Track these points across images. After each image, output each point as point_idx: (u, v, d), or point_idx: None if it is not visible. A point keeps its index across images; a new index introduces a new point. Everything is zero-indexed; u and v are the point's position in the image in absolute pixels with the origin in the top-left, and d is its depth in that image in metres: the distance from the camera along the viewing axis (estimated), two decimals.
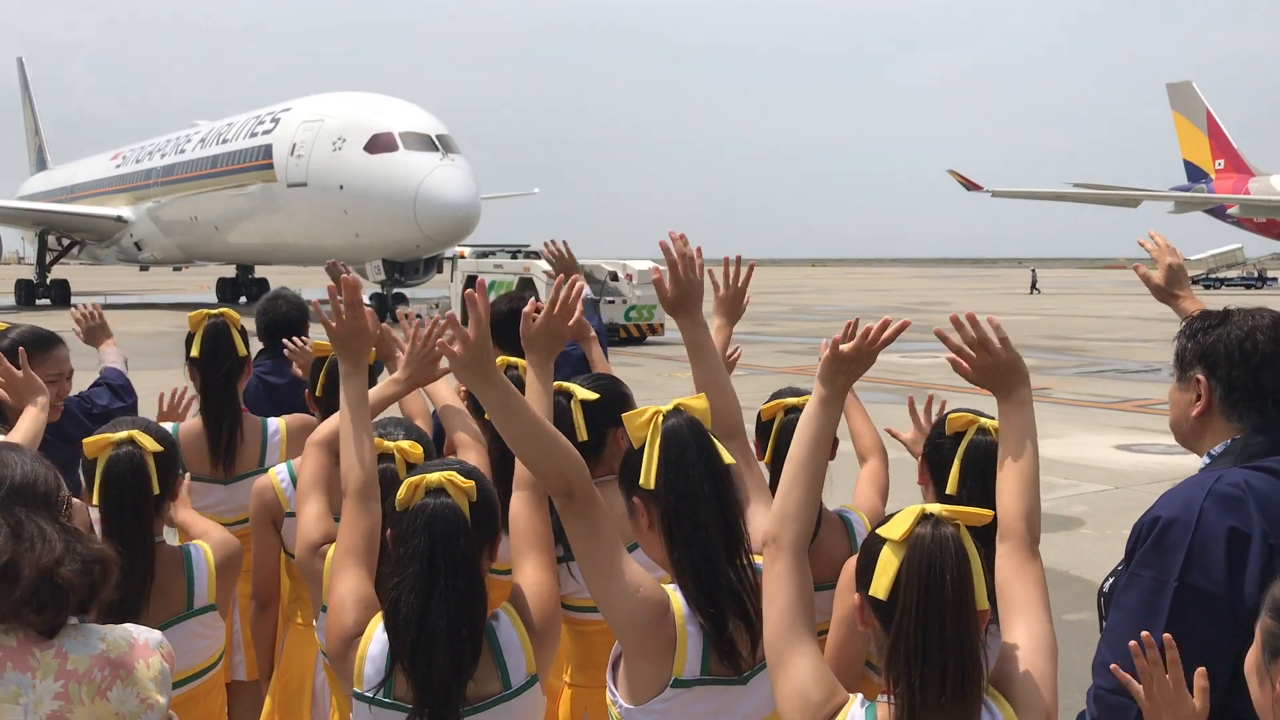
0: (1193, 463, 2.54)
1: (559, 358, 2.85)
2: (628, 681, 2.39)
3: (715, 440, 2.46)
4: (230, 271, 49.39)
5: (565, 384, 3.24)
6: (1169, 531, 2.27)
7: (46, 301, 41.22)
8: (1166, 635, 2.16)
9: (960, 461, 2.69)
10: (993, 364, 2.30)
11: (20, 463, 2.05)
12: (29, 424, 3.40)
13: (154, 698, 1.98)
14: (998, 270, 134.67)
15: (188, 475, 3.32)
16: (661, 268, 2.91)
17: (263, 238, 36.67)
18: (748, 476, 2.77)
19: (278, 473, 3.66)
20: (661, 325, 26.09)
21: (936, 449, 2.80)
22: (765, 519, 2.32)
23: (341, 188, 31.63)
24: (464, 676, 2.28)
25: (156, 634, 2.09)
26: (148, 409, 4.15)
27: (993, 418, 2.53)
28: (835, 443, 2.43)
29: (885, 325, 2.30)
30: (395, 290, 33.05)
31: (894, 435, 3.54)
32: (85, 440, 2.98)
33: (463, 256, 31.70)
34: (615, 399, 3.24)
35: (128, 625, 2.07)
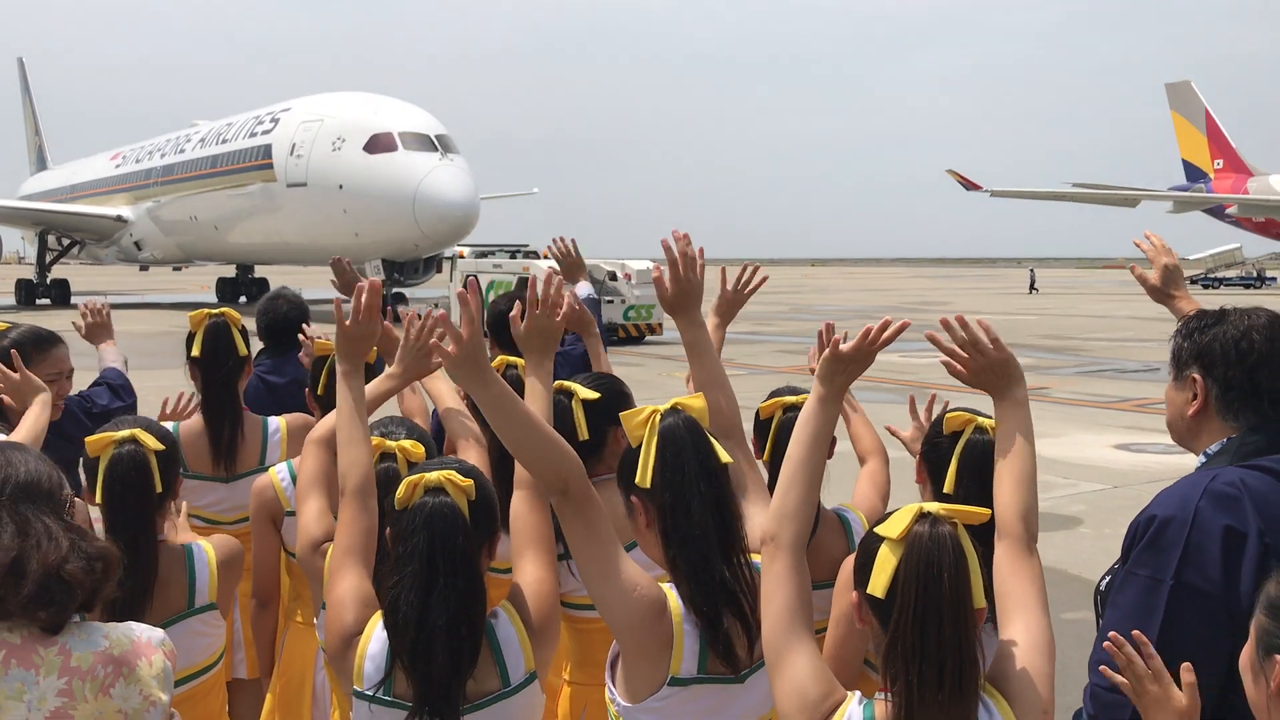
0: (1191, 462, 2.55)
1: (558, 357, 2.87)
2: (625, 680, 2.40)
3: (713, 439, 2.47)
4: (230, 271, 49.37)
5: (566, 383, 3.25)
6: (1165, 530, 2.28)
7: (46, 301, 41.22)
8: (1136, 632, 2.18)
9: (958, 460, 2.70)
10: (986, 364, 2.32)
11: (25, 461, 2.07)
12: (32, 423, 3.41)
13: (156, 695, 1.99)
14: (997, 270, 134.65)
15: (184, 507, 3.33)
16: (663, 266, 2.92)
17: (262, 237, 36.67)
18: (746, 475, 2.78)
19: (278, 472, 3.67)
20: (660, 325, 26.09)
21: (934, 448, 2.81)
22: (763, 518, 2.33)
23: (341, 187, 31.63)
24: (463, 675, 2.28)
25: (159, 632, 2.10)
26: (147, 409, 4.16)
27: (991, 417, 2.54)
28: (833, 442, 2.44)
29: (885, 326, 2.31)
30: (395, 290, 33.04)
31: (893, 433, 3.56)
32: (88, 439, 2.99)
33: (462, 256, 31.69)
34: (616, 398, 3.26)
35: (130, 623, 2.09)
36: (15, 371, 3.58)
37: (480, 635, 2.32)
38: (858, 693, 2.06)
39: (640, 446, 2.44)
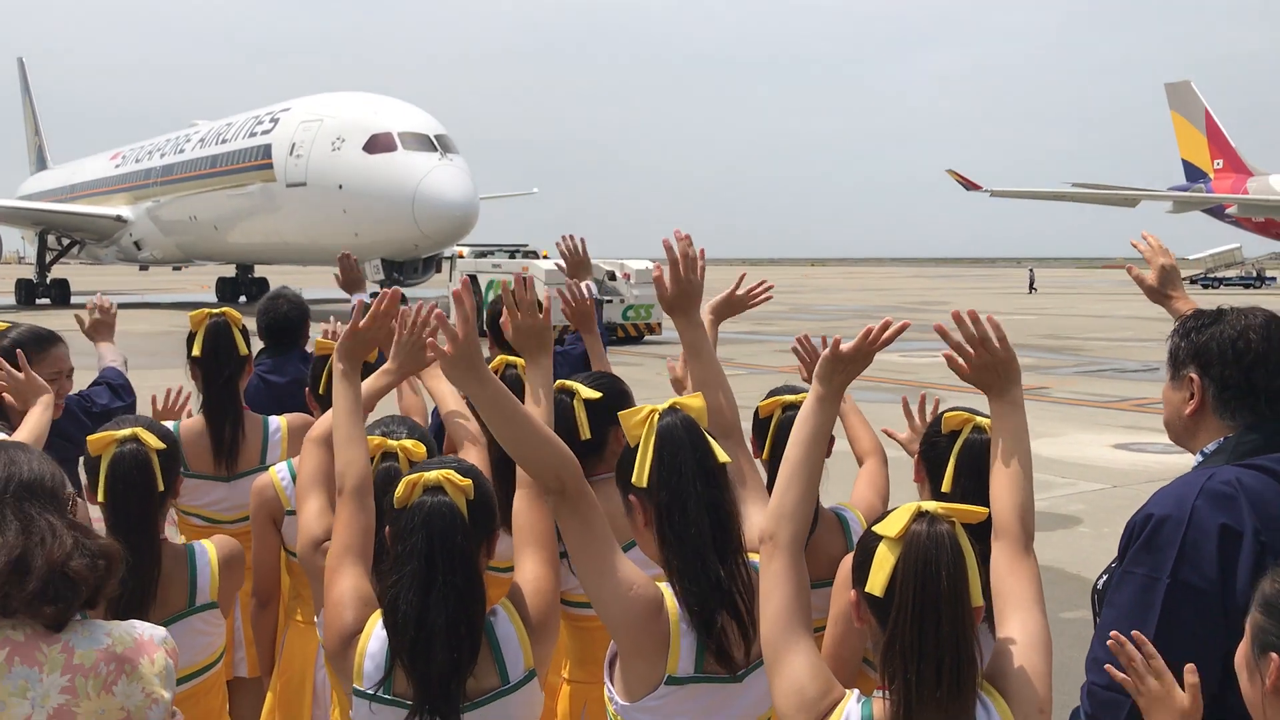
0: (1190, 461, 2.55)
1: (558, 356, 2.88)
2: (623, 679, 2.41)
3: (711, 439, 2.47)
4: (230, 271, 49.37)
5: (568, 382, 3.26)
6: (1161, 529, 2.29)
7: (46, 301, 41.22)
8: (1136, 632, 2.18)
9: (956, 459, 2.71)
10: (990, 362, 2.32)
11: (28, 460, 2.09)
12: (34, 423, 3.43)
13: (159, 693, 2.00)
14: (996, 270, 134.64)
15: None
16: (663, 266, 2.93)
17: (262, 237, 36.68)
18: (745, 475, 2.78)
19: (278, 471, 3.68)
20: (659, 324, 26.09)
21: (932, 447, 2.82)
22: (761, 517, 2.34)
23: (340, 187, 31.65)
24: (463, 674, 2.29)
25: (161, 630, 2.11)
26: (145, 408, 4.17)
27: (988, 416, 2.55)
28: (831, 441, 2.45)
29: (886, 326, 2.31)
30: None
31: (891, 435, 3.56)
32: (90, 437, 3.00)
33: (461, 256, 31.70)
34: (617, 397, 3.27)
35: (132, 621, 2.10)
36: (20, 371, 3.59)
37: (479, 634, 2.32)
38: (856, 691, 2.06)
39: (638, 446, 2.44)
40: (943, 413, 2.85)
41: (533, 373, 2.76)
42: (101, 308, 4.68)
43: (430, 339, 2.29)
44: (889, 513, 2.03)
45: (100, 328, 4.65)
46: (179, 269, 57.66)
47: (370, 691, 2.34)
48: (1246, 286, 63.31)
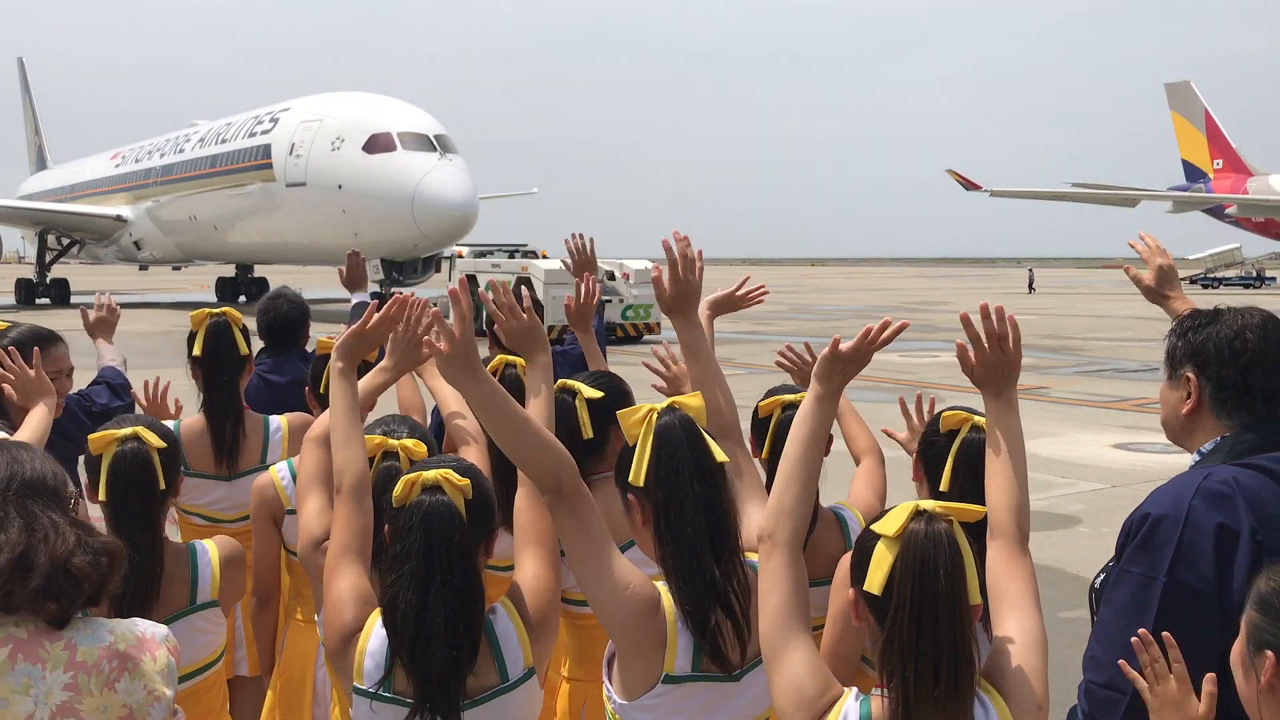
0: (1189, 461, 2.56)
1: (557, 356, 2.88)
2: (620, 677, 2.41)
3: (709, 438, 2.47)
4: (229, 271, 49.38)
5: (571, 382, 3.28)
6: (1158, 528, 2.30)
7: (46, 301, 41.23)
8: (1166, 635, 2.18)
9: (954, 458, 2.72)
10: (1000, 360, 2.32)
11: (31, 459, 2.10)
12: (36, 423, 3.44)
13: (161, 690, 2.01)
14: (996, 270, 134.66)
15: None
16: (662, 266, 2.94)
17: (262, 237, 36.69)
18: (743, 474, 2.79)
19: (278, 470, 3.69)
20: (658, 324, 26.09)
21: (930, 446, 2.83)
22: (760, 516, 2.34)
23: (340, 187, 31.66)
24: (462, 672, 2.30)
25: (162, 628, 2.12)
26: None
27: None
28: (830, 439, 2.45)
29: (885, 326, 2.32)
30: (394, 290, 32.99)
31: (890, 435, 3.57)
32: (91, 436, 3.01)
33: (460, 256, 31.69)
34: (619, 397, 3.29)
35: (134, 619, 2.11)
36: (31, 368, 3.60)
37: (478, 633, 2.33)
38: (854, 689, 2.07)
39: (636, 445, 2.45)
40: (940, 412, 2.86)
41: (532, 371, 2.77)
42: (108, 307, 4.71)
43: (427, 337, 2.30)
44: (887, 511, 2.04)
45: (102, 325, 4.67)
46: (179, 269, 57.67)
47: (371, 690, 2.35)
48: (1246, 286, 63.29)
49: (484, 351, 2.88)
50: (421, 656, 2.27)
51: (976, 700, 1.98)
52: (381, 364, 3.15)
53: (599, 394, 3.24)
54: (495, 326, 2.80)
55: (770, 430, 3.26)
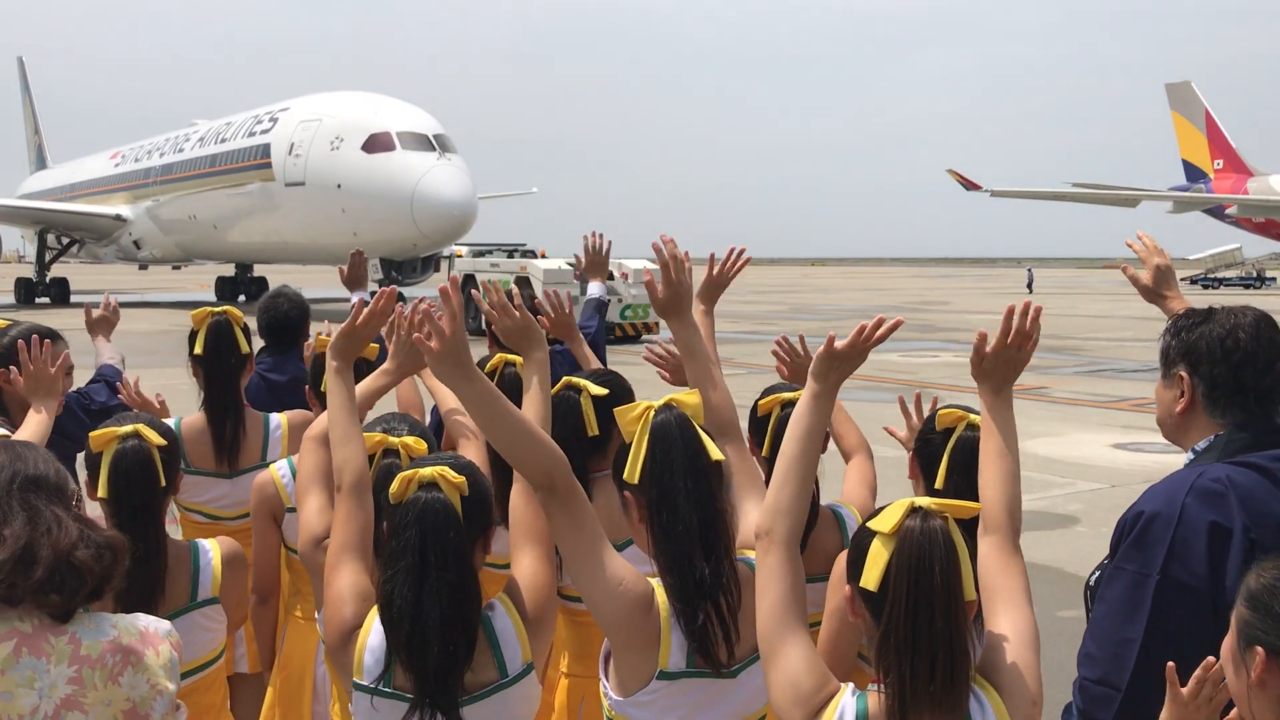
0: (1184, 460, 2.58)
1: (555, 356, 2.89)
2: (616, 674, 2.42)
3: (705, 436, 2.47)
4: (229, 270, 49.37)
5: (576, 379, 3.30)
6: (1151, 526, 2.31)
7: (46, 300, 41.22)
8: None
9: (949, 456, 2.73)
10: (1013, 358, 2.34)
11: (33, 456, 2.11)
12: (38, 422, 3.45)
13: (164, 684, 2.02)
14: (996, 270, 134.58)
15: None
16: (654, 268, 2.96)
17: (261, 236, 36.68)
18: (741, 472, 2.80)
19: (279, 468, 3.70)
20: (656, 324, 26.08)
21: (926, 444, 2.85)
22: (757, 513, 2.35)
23: (339, 187, 31.66)
24: (460, 668, 2.31)
25: (166, 623, 2.13)
26: None
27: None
28: (826, 437, 2.47)
29: (880, 323, 2.33)
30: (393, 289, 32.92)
31: (891, 434, 3.58)
32: (91, 434, 3.03)
33: (459, 255, 31.68)
34: (622, 394, 3.33)
35: (136, 614, 2.12)
36: (49, 366, 3.60)
37: (475, 629, 2.34)
38: (851, 685, 2.08)
39: (632, 442, 2.46)
40: (937, 410, 2.88)
41: (529, 368, 2.77)
42: (111, 307, 4.74)
43: (417, 335, 2.31)
44: (883, 508, 2.05)
45: (102, 324, 4.69)
46: (178, 268, 57.63)
47: (371, 685, 2.36)
48: (1246, 287, 63.23)
49: (484, 350, 2.90)
50: (418, 652, 2.28)
51: (972, 695, 1.99)
52: (384, 366, 3.16)
53: (604, 391, 3.26)
54: (492, 325, 2.81)
55: (769, 428, 3.27)
